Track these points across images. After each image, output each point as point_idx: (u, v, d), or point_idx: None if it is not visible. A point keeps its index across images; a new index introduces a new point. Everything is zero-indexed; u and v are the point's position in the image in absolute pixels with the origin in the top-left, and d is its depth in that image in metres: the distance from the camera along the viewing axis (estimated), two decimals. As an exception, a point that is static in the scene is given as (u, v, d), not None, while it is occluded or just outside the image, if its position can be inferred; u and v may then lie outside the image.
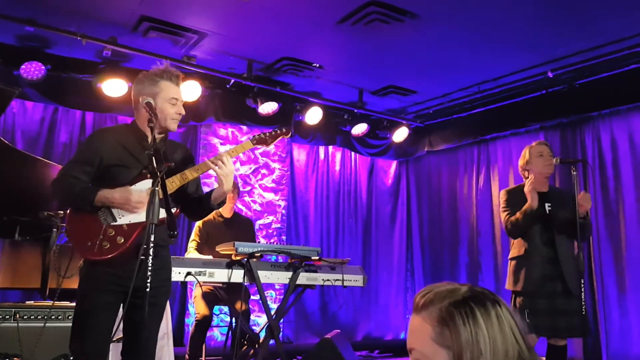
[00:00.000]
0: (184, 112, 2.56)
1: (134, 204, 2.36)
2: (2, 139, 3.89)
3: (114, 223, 2.38)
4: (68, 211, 2.48)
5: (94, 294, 2.36)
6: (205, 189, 2.74)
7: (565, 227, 3.57)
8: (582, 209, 3.47)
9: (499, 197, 3.90)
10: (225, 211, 4.87)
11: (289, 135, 2.95)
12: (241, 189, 6.06)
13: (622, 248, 5.19)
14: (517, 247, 3.70)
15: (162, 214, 2.22)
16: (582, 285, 3.26)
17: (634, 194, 5.17)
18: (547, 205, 3.66)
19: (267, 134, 2.78)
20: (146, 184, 2.35)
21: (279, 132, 2.82)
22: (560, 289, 3.51)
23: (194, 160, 2.73)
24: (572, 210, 3.47)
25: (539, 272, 3.54)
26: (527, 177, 3.74)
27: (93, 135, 2.66)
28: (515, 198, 3.71)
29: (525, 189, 3.58)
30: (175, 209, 2.49)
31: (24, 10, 4.28)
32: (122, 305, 2.36)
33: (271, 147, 6.52)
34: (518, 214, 3.57)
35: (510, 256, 3.75)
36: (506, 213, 3.69)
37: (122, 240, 2.35)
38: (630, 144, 5.28)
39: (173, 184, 2.45)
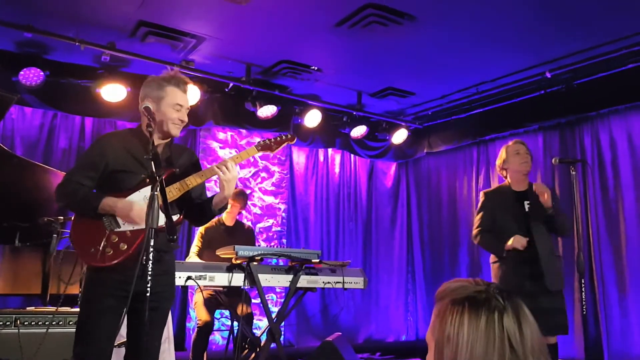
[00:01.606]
0: (186, 120, 2.55)
1: (130, 219, 2.36)
2: (1, 145, 3.90)
3: (118, 229, 2.38)
4: (73, 217, 2.48)
5: (98, 299, 2.36)
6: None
7: (546, 223, 3.63)
8: (544, 200, 3.53)
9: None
10: (228, 219, 4.92)
11: (294, 141, 2.93)
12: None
13: (622, 247, 5.18)
14: None
15: (164, 219, 2.22)
16: (583, 285, 3.25)
17: (634, 193, 5.17)
18: (526, 203, 3.68)
19: (272, 140, 2.76)
20: (149, 190, 2.34)
21: (284, 138, 2.80)
22: (542, 287, 3.52)
23: (200, 165, 2.73)
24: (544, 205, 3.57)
25: (520, 271, 3.56)
26: (505, 176, 3.81)
27: (99, 140, 2.64)
28: (493, 200, 3.78)
29: (512, 244, 3.56)
30: (178, 215, 2.49)
31: (22, 16, 4.28)
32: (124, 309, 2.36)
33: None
34: (494, 247, 3.65)
35: (492, 260, 3.74)
36: (479, 216, 3.77)
37: (125, 247, 2.35)
38: (629, 143, 5.28)
39: (177, 190, 2.45)
